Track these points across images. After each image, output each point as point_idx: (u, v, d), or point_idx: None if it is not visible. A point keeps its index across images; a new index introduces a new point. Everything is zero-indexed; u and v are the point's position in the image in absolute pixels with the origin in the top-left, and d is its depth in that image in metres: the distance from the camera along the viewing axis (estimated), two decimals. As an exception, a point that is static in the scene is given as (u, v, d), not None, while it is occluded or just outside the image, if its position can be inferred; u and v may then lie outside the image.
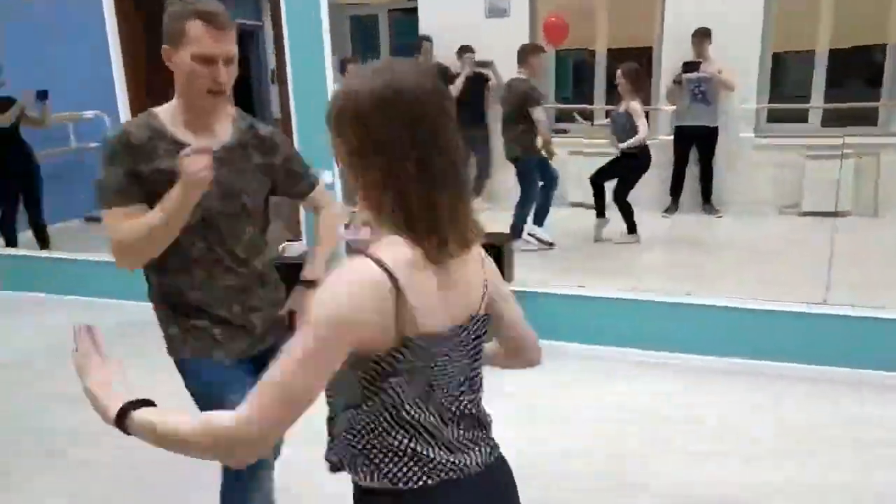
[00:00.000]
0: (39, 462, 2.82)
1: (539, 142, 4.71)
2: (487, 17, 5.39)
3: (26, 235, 5.13)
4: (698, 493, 2.51)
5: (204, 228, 1.63)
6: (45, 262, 4.93)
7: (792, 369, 3.33)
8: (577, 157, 5.39)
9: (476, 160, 5.49)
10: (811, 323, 3.34)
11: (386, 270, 0.94)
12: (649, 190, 5.20)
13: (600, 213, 5.02)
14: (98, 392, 1.04)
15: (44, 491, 2.63)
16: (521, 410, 2.99)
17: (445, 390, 1.05)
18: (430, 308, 0.99)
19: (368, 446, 1.03)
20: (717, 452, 2.76)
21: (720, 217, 5.34)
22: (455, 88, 5.19)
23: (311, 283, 1.85)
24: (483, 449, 1.10)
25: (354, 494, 1.08)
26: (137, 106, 4.22)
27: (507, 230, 4.65)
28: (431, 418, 1.03)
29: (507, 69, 4.91)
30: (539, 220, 4.89)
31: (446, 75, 5.28)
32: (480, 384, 1.13)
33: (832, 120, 5.37)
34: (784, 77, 5.64)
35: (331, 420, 1.09)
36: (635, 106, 4.78)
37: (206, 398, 1.67)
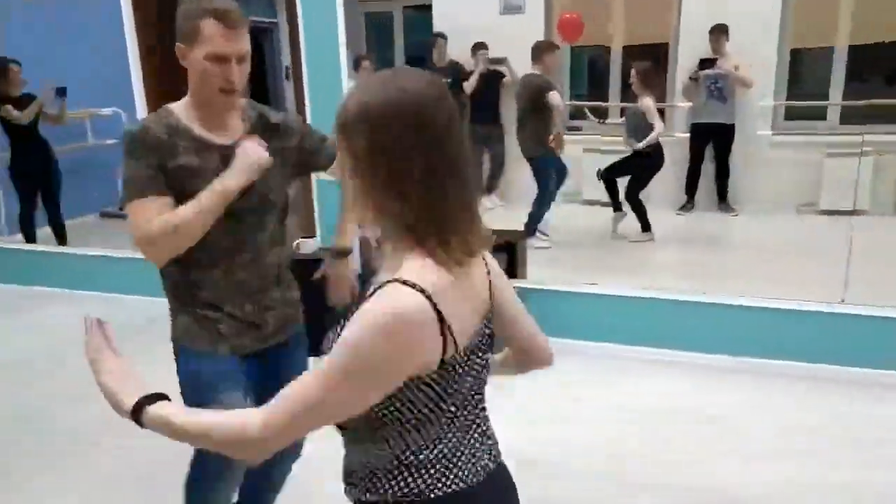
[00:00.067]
0: (40, 462, 2.82)
1: (552, 132, 4.71)
2: (502, 14, 5.37)
3: (44, 231, 5.19)
4: (699, 493, 2.50)
5: (230, 222, 1.64)
6: (62, 257, 4.99)
7: (808, 369, 3.30)
8: (591, 154, 5.36)
9: (490, 157, 5.49)
10: (829, 322, 3.31)
11: (427, 298, 0.93)
12: (664, 188, 5.16)
13: (616, 207, 5.00)
14: (113, 385, 1.05)
15: (44, 491, 2.64)
16: (523, 408, 2.97)
17: (460, 398, 1.04)
18: (463, 324, 0.99)
19: (382, 462, 1.03)
20: (720, 452, 2.75)
21: (736, 215, 5.30)
22: (469, 86, 5.18)
23: (341, 252, 1.95)
24: (487, 454, 1.09)
25: None
26: (154, 102, 4.25)
27: (520, 228, 4.65)
28: (444, 429, 1.03)
29: (521, 66, 4.90)
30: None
31: (460, 72, 5.28)
32: (484, 393, 1.12)
33: (851, 117, 5.30)
34: (802, 73, 5.58)
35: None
36: (648, 104, 4.75)
37: (193, 390, 1.69)
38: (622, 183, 4.96)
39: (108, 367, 1.08)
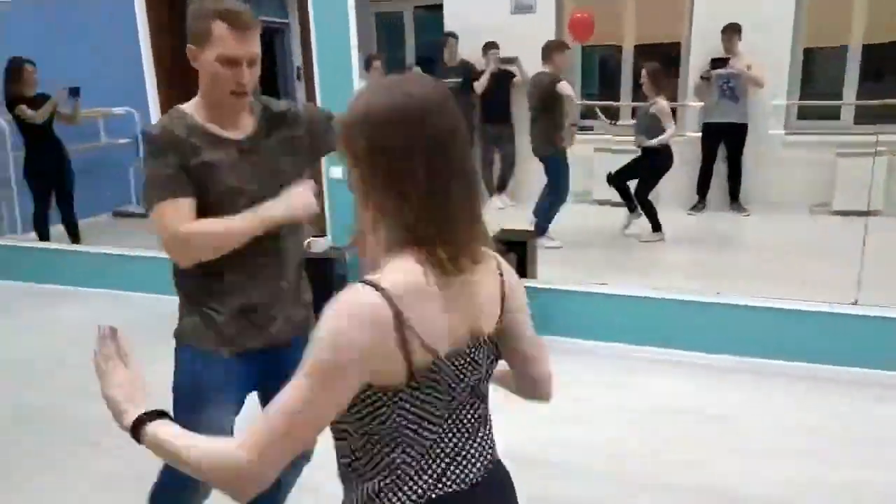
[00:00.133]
0: (40, 462, 2.83)
1: (566, 125, 4.72)
2: (513, 14, 5.36)
3: (57, 230, 5.23)
4: (699, 493, 2.50)
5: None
6: (74, 255, 5.03)
7: (818, 370, 3.29)
8: (603, 154, 5.34)
9: (501, 157, 5.48)
10: (842, 323, 3.29)
11: (386, 297, 0.92)
12: (676, 187, 5.14)
13: (631, 208, 5.00)
14: (117, 398, 1.05)
15: (44, 491, 2.65)
16: (523, 408, 2.93)
17: (450, 406, 1.03)
18: (441, 329, 0.97)
19: (365, 464, 1.02)
20: (721, 452, 2.74)
21: (748, 215, 5.26)
22: (480, 85, 5.18)
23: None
24: (484, 457, 1.08)
25: None
26: (166, 101, 4.28)
27: (531, 227, 4.64)
28: (434, 435, 1.02)
29: (532, 66, 4.89)
30: (538, 214, 4.88)
31: (471, 72, 5.28)
32: (487, 397, 1.11)
33: (865, 117, 5.25)
34: (815, 73, 5.53)
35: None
36: (663, 106, 4.75)
37: (190, 391, 1.71)
38: (632, 184, 4.95)
39: (116, 379, 1.07)
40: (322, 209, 4.28)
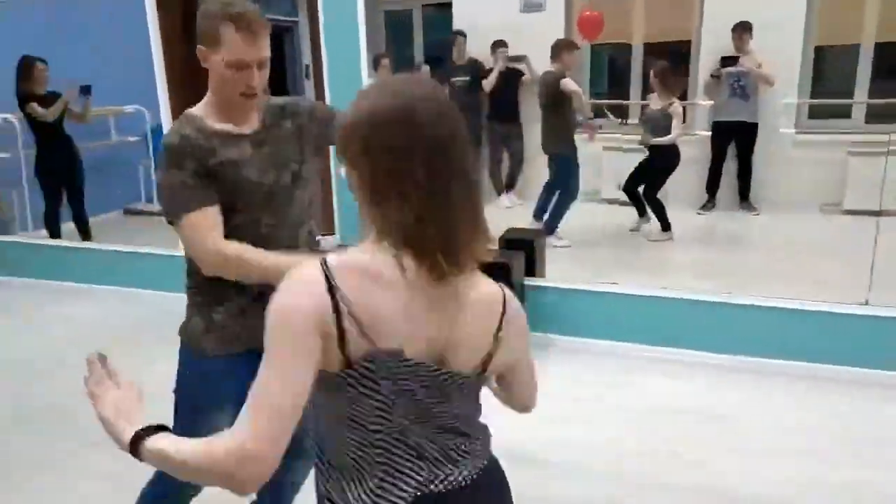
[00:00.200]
0: (40, 462, 2.83)
1: (579, 118, 4.73)
2: (522, 12, 5.35)
3: (68, 227, 5.27)
4: (699, 493, 2.50)
5: (269, 203, 1.67)
6: (83, 252, 5.06)
7: (822, 370, 3.28)
8: (611, 152, 5.33)
9: (509, 156, 5.48)
10: (852, 324, 3.27)
11: (323, 265, 0.95)
12: (685, 187, 5.12)
13: (641, 212, 5.00)
14: (112, 419, 1.05)
15: (44, 491, 2.65)
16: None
17: (407, 409, 1.01)
18: (384, 326, 0.96)
19: (330, 459, 1.04)
20: (723, 452, 2.74)
21: (757, 215, 5.23)
22: (488, 84, 5.18)
23: None
24: (468, 461, 1.07)
25: None
26: (177, 100, 4.30)
27: (538, 225, 4.64)
28: (392, 438, 1.01)
29: (541, 65, 4.89)
30: (539, 215, 4.87)
31: (480, 70, 5.27)
32: (465, 434, 1.09)
33: (877, 116, 5.21)
34: (827, 71, 5.49)
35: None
36: (677, 109, 4.76)
37: (197, 391, 1.72)
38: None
39: (108, 399, 1.07)
40: (331, 207, 4.29)
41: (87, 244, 5.17)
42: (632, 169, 5.02)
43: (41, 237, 5.25)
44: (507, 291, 1.10)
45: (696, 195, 5.32)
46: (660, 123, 4.80)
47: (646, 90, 5.22)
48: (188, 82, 4.29)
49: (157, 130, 4.93)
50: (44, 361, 3.77)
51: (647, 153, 4.94)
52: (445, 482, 1.04)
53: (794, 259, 4.38)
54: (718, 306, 3.49)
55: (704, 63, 5.31)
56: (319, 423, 1.05)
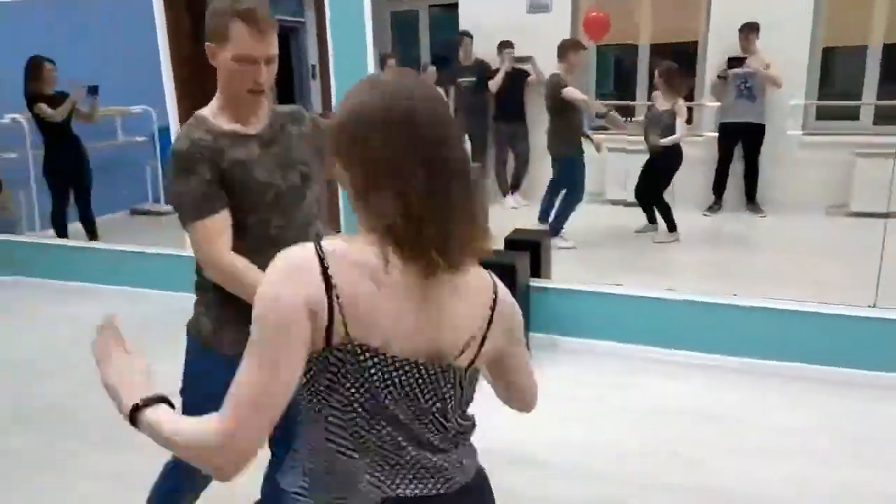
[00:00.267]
0: (40, 462, 2.83)
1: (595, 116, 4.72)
2: (528, 13, 5.35)
3: (75, 227, 5.29)
4: (699, 493, 2.50)
5: (277, 203, 1.68)
6: (91, 252, 5.08)
7: (830, 372, 3.27)
8: (617, 154, 5.32)
9: (514, 156, 5.48)
10: (859, 326, 3.26)
11: (319, 255, 0.94)
12: (692, 188, 5.11)
13: (651, 220, 4.99)
14: (115, 384, 1.03)
15: (44, 491, 2.65)
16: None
17: (375, 418, 0.99)
18: (372, 320, 0.95)
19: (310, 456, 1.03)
20: (723, 453, 2.74)
21: (764, 216, 5.22)
22: (494, 84, 5.18)
23: None
24: (441, 476, 1.04)
25: None
26: (184, 100, 4.31)
27: (543, 226, 4.63)
28: (372, 438, 1.00)
29: (548, 65, 4.88)
30: (545, 217, 4.86)
31: (486, 71, 5.28)
32: (456, 421, 1.07)
33: (885, 117, 5.19)
34: (834, 73, 5.47)
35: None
36: (682, 107, 4.73)
37: (206, 389, 1.72)
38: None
39: (114, 363, 1.06)
40: (336, 207, 4.29)
41: (93, 244, 5.19)
42: (637, 171, 5.00)
43: (48, 237, 5.27)
44: (497, 280, 1.10)
45: (702, 196, 5.31)
46: (664, 123, 4.78)
47: (652, 90, 5.21)
48: (196, 83, 4.31)
49: (164, 131, 4.95)
50: (46, 361, 3.78)
51: (649, 154, 4.92)
52: (407, 490, 1.02)
53: (800, 261, 4.37)
54: (723, 308, 3.48)
55: (711, 64, 5.30)
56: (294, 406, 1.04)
